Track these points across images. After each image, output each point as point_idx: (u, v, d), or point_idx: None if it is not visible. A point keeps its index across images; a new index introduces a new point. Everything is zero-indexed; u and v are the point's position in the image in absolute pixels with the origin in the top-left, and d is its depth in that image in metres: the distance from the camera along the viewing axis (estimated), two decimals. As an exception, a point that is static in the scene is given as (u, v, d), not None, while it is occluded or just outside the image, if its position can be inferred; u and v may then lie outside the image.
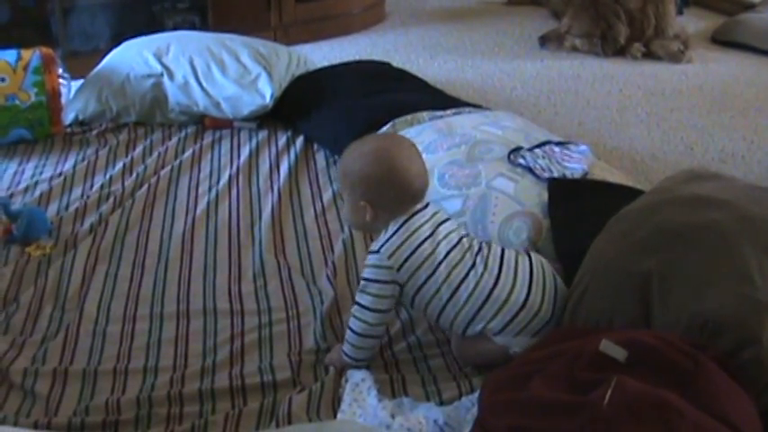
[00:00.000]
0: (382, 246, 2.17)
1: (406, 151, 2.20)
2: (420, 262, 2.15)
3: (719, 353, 1.82)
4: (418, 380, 2.19)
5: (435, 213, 2.23)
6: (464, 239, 2.21)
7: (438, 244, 2.17)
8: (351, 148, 2.26)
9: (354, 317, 2.19)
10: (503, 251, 2.23)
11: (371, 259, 2.19)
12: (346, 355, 2.21)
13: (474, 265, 2.16)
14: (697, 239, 2.05)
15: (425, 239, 2.16)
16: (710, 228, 2.06)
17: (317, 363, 2.24)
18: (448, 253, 2.16)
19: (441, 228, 2.20)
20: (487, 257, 2.19)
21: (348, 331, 2.20)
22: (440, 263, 2.15)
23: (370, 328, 2.18)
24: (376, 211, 2.19)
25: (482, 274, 2.15)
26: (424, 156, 2.83)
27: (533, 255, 2.28)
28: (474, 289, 2.14)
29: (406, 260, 2.15)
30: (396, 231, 2.17)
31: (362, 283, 2.19)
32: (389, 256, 2.15)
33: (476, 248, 2.19)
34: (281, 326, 2.39)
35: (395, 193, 2.17)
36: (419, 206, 2.21)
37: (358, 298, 2.20)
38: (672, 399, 1.60)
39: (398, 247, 2.15)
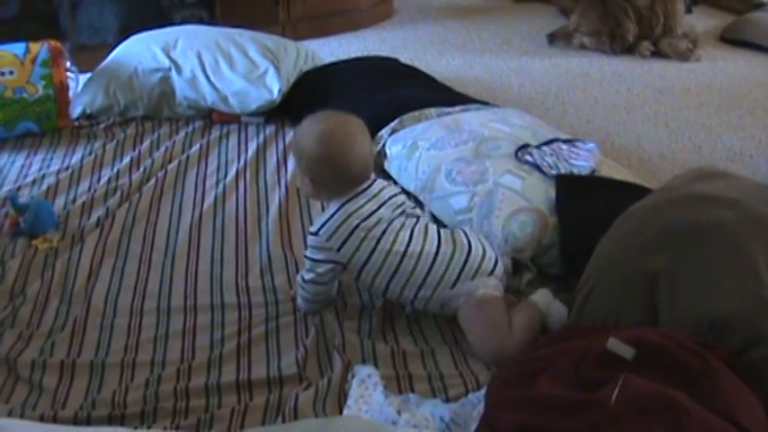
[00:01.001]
0: (320, 228, 2.30)
1: (350, 136, 2.30)
2: (359, 242, 2.28)
3: (727, 352, 1.82)
4: (424, 376, 2.18)
5: (381, 190, 2.35)
6: (402, 216, 2.33)
7: (378, 222, 2.29)
8: (305, 122, 2.37)
9: (301, 287, 2.38)
10: (444, 227, 2.47)
11: (311, 241, 2.33)
12: (300, 305, 2.42)
13: (407, 248, 2.28)
14: (705, 238, 2.04)
15: (364, 219, 2.28)
16: (719, 226, 2.05)
17: (324, 357, 2.24)
18: (386, 230, 2.28)
19: (383, 209, 2.31)
20: (426, 237, 2.31)
21: (298, 295, 2.40)
22: (379, 239, 2.27)
23: (315, 297, 2.38)
24: (317, 189, 2.34)
25: (420, 254, 2.28)
26: (431, 152, 2.88)
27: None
28: (419, 255, 2.27)
29: (344, 241, 2.28)
30: (334, 213, 2.29)
31: (306, 261, 2.35)
32: (328, 239, 2.29)
33: (418, 227, 2.32)
34: (287, 320, 2.39)
35: (332, 175, 2.29)
36: (362, 186, 2.32)
37: (303, 272, 2.37)
38: (679, 397, 1.60)
39: (336, 229, 2.28)
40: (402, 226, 2.30)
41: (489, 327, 2.24)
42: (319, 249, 2.31)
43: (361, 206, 2.29)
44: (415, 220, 2.34)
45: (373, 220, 2.28)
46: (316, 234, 2.30)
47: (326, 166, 2.27)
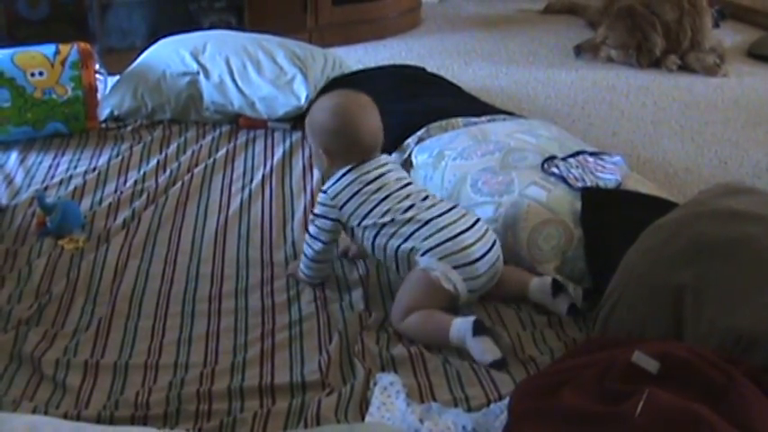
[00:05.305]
0: (330, 187, 2.49)
1: (361, 110, 2.50)
2: (361, 201, 2.44)
3: (753, 368, 1.81)
4: (445, 386, 2.17)
5: (387, 163, 2.52)
6: (411, 186, 2.49)
7: (382, 186, 2.45)
8: (318, 101, 2.62)
9: (306, 243, 2.54)
10: (455, 204, 2.49)
11: (320, 197, 2.52)
12: (302, 272, 2.56)
13: (414, 204, 2.42)
14: (731, 254, 2.04)
15: (370, 182, 2.45)
16: (745, 242, 2.05)
17: (347, 364, 2.24)
18: (390, 195, 2.43)
19: (390, 174, 2.48)
20: (435, 203, 2.44)
21: (302, 254, 2.55)
22: (382, 200, 2.42)
23: (316, 254, 2.52)
24: (331, 159, 2.50)
25: (427, 208, 2.41)
26: (457, 162, 2.89)
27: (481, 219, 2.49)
28: (415, 214, 2.40)
29: (348, 201, 2.45)
30: (343, 174, 2.47)
31: (311, 216, 2.54)
32: (334, 197, 2.47)
33: (422, 195, 2.46)
34: (311, 326, 2.39)
35: (346, 144, 2.47)
36: (371, 157, 2.50)
37: (308, 227, 2.55)
38: (704, 412, 1.59)
39: (343, 189, 2.46)
40: (405, 198, 2.43)
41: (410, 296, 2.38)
42: (324, 205, 2.49)
43: (369, 171, 2.47)
44: (416, 199, 2.43)
45: (375, 186, 2.44)
46: (325, 192, 2.49)
47: (340, 136, 2.47)
